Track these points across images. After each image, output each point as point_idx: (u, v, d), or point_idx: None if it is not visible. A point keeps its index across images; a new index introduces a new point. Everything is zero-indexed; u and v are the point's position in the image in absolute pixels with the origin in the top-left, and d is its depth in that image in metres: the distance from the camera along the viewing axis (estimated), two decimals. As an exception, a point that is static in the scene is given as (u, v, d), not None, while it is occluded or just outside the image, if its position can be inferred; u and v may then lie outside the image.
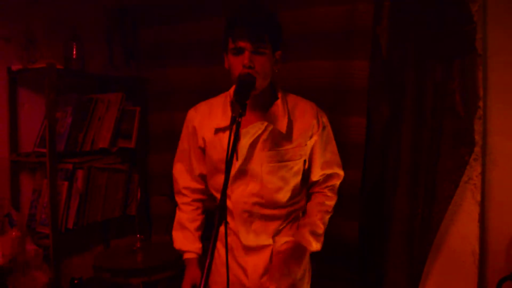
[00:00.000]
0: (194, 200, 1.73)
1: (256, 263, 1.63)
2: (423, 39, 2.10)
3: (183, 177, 1.73)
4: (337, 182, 1.74)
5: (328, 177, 1.70)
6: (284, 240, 1.64)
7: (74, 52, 2.50)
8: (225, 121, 1.56)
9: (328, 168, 1.68)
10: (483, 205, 2.16)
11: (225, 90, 1.72)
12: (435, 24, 2.05)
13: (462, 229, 2.14)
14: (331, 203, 1.71)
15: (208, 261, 1.05)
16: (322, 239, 1.66)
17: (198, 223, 1.71)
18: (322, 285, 1.93)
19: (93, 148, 2.54)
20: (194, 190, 1.73)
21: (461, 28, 1.96)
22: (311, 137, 1.62)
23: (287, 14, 2.28)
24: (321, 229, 1.65)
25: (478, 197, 2.10)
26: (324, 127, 1.65)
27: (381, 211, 2.22)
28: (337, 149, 1.75)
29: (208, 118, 1.64)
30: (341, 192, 2.22)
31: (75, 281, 2.48)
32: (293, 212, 1.68)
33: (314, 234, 1.63)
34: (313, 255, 1.79)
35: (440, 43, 2.05)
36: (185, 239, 1.69)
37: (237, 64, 1.47)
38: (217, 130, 1.60)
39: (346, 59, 2.21)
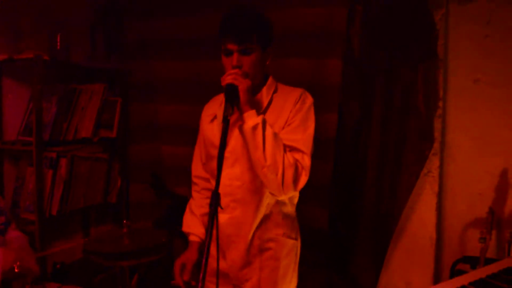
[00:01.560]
0: (204, 189, 1.87)
1: (236, 254, 1.74)
2: (392, 42, 2.28)
3: (195, 166, 1.89)
4: (299, 159, 1.64)
5: (293, 149, 1.65)
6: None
7: (59, 43, 2.56)
8: (218, 111, 1.72)
9: (293, 142, 1.64)
10: (440, 196, 2.38)
11: (209, 84, 1.85)
12: (402, 29, 2.24)
13: (421, 216, 2.36)
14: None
15: (206, 248, 1.18)
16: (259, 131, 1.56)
17: (205, 210, 1.82)
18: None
19: (76, 137, 2.63)
20: (203, 179, 1.86)
21: (424, 34, 2.15)
22: (289, 114, 1.66)
23: (268, 14, 2.42)
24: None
25: (436, 188, 2.32)
26: (303, 103, 1.69)
27: (351, 201, 2.41)
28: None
29: (208, 109, 1.82)
30: (313, 182, 2.39)
31: (57, 266, 2.56)
32: (275, 205, 1.73)
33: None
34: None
35: (407, 47, 2.24)
36: (192, 224, 1.83)
37: (227, 65, 1.61)
38: (212, 119, 1.76)
39: (320, 58, 2.38)
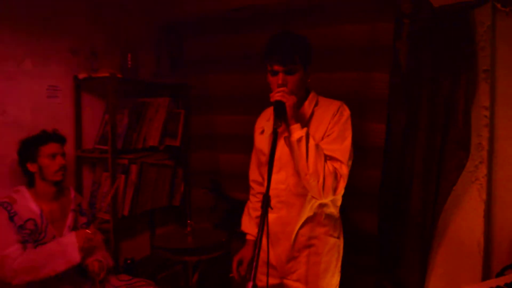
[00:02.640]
0: (258, 193, 2.12)
1: (283, 249, 1.94)
2: (435, 55, 2.38)
3: (252, 172, 2.14)
4: (337, 168, 1.79)
5: (332, 158, 1.81)
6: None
7: (129, 62, 2.87)
8: (266, 125, 1.96)
9: (332, 152, 1.80)
10: (489, 203, 2.43)
11: (260, 96, 2.08)
12: (444, 42, 2.33)
13: (469, 223, 2.41)
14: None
15: (258, 241, 1.37)
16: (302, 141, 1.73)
17: (259, 213, 2.04)
18: (344, 271, 2.25)
19: (145, 145, 2.92)
20: (259, 183, 2.11)
21: (464, 47, 2.24)
22: (328, 125, 1.86)
23: (319, 31, 2.59)
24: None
25: (484, 196, 2.37)
26: (341, 116, 1.86)
27: (398, 206, 2.52)
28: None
29: (259, 122, 2.06)
30: (362, 188, 2.54)
31: (128, 261, 2.85)
32: (318, 207, 1.92)
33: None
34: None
35: (448, 59, 2.33)
36: (248, 225, 2.10)
37: (273, 83, 1.82)
38: (261, 131, 2.00)
39: (368, 72, 2.51)
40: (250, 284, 1.21)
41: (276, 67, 1.79)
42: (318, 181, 1.74)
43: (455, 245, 2.48)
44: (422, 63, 2.40)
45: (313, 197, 1.85)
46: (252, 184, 2.15)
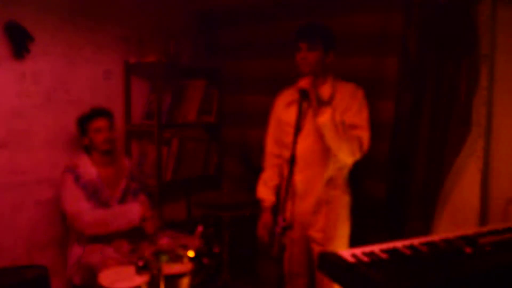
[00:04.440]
0: (274, 164, 2.52)
1: (308, 203, 2.35)
2: (441, 41, 2.67)
3: (269, 145, 2.52)
4: (360, 134, 2.28)
5: (355, 127, 2.28)
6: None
7: (171, 48, 3.28)
8: (292, 99, 2.34)
9: (354, 122, 2.28)
10: (486, 173, 2.74)
11: (285, 80, 2.46)
12: (449, 28, 2.62)
13: (466, 191, 2.71)
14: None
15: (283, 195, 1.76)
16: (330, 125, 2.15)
17: (275, 182, 2.50)
18: (356, 232, 2.62)
19: (184, 121, 3.34)
20: (275, 155, 2.49)
21: (466, 33, 2.54)
22: (347, 103, 2.30)
23: (335, 20, 2.92)
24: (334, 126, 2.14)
25: (480, 165, 2.67)
26: (358, 94, 2.33)
27: (404, 175, 2.85)
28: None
29: (284, 97, 2.46)
30: (372, 160, 2.89)
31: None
32: (337, 170, 2.34)
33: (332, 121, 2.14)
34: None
35: (453, 45, 2.62)
36: (265, 192, 2.50)
37: (298, 58, 2.27)
38: (289, 104, 2.39)
39: (380, 57, 2.84)
40: (281, 217, 1.58)
41: (300, 44, 2.24)
42: (348, 149, 2.20)
43: (453, 212, 2.79)
44: (429, 48, 2.70)
45: (344, 158, 2.28)
46: (269, 156, 2.54)
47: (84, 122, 2.71)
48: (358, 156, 2.28)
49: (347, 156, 2.26)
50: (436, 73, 2.68)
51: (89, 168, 2.67)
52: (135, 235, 2.79)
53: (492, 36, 2.68)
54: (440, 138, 2.66)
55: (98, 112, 2.73)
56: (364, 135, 2.30)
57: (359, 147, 2.25)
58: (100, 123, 2.70)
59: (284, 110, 2.44)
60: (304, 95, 2.11)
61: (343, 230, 2.39)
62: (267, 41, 3.28)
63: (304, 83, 2.13)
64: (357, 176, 2.98)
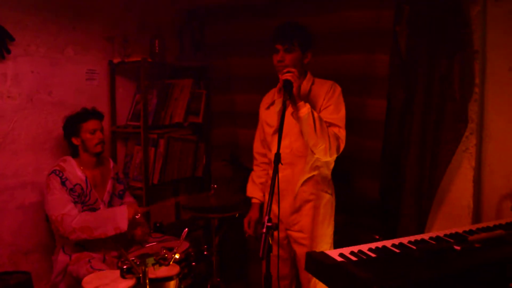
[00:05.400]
0: (261, 163, 2.52)
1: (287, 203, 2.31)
2: (432, 37, 2.64)
3: (256, 144, 2.52)
4: (337, 132, 2.21)
5: (332, 125, 2.21)
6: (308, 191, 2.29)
7: (157, 47, 3.20)
8: (272, 100, 2.36)
9: (331, 120, 2.22)
10: (478, 170, 2.71)
11: (274, 77, 2.37)
12: (441, 24, 2.59)
13: (459, 188, 2.70)
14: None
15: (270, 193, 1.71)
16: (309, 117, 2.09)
17: (262, 179, 2.50)
18: (349, 232, 2.58)
19: (171, 122, 3.27)
20: (261, 155, 2.48)
21: (459, 29, 2.51)
22: (323, 101, 2.25)
23: (325, 17, 2.88)
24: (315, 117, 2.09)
25: (473, 163, 2.66)
26: (334, 92, 2.27)
27: (397, 174, 2.82)
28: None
29: (265, 100, 2.45)
30: (365, 158, 2.85)
31: (157, 224, 3.23)
32: (315, 168, 2.29)
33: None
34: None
35: (445, 41, 2.59)
36: (253, 190, 2.52)
37: (275, 60, 2.23)
38: (268, 106, 2.39)
39: (371, 53, 2.80)
40: (266, 218, 1.55)
41: (277, 46, 2.20)
42: (325, 144, 2.13)
43: (446, 208, 2.77)
44: (420, 45, 2.66)
45: (320, 157, 2.22)
46: (256, 155, 2.55)
47: (75, 122, 2.63)
48: (334, 154, 2.22)
49: (323, 153, 2.18)
50: (427, 70, 2.64)
51: (76, 171, 2.60)
52: (123, 242, 2.72)
53: (483, 32, 2.66)
54: (433, 135, 2.63)
55: (92, 114, 2.67)
56: (342, 134, 2.24)
57: (336, 146, 2.20)
58: (95, 124, 2.66)
59: (265, 111, 2.43)
60: (288, 87, 2.05)
61: (325, 230, 2.34)
62: (256, 39, 3.22)
63: (289, 75, 2.08)
64: (349, 175, 2.95)
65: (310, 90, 2.30)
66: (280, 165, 2.21)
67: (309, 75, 2.36)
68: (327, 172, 2.38)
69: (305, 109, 2.08)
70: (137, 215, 2.55)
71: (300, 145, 2.25)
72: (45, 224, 2.77)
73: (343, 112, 2.27)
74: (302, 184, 2.30)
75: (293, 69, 2.09)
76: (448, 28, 2.56)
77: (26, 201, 2.77)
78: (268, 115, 2.39)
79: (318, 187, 2.32)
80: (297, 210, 2.31)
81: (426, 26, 2.66)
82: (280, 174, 2.25)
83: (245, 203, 2.67)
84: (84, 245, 2.55)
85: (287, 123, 2.21)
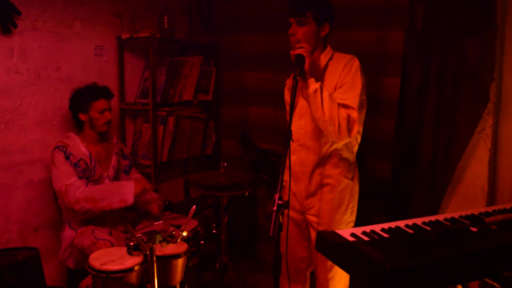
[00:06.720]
0: None
1: (302, 186, 2.25)
2: (452, 14, 2.54)
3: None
4: (350, 113, 2.05)
5: (345, 106, 2.08)
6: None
7: (166, 23, 3.13)
8: (289, 81, 2.27)
9: (344, 101, 2.07)
10: (494, 152, 2.64)
11: (286, 54, 2.30)
12: (462, 2, 2.49)
13: (474, 169, 2.63)
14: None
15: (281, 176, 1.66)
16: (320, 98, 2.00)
17: None
18: (359, 211, 2.53)
19: (180, 99, 3.22)
20: None
21: (483, 5, 2.40)
22: (339, 78, 2.14)
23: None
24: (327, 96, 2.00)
25: (489, 144, 2.58)
26: (351, 67, 2.13)
27: (410, 154, 2.76)
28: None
29: (289, 80, 2.35)
30: (378, 137, 2.79)
31: (166, 202, 3.21)
32: (333, 151, 2.21)
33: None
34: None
35: (466, 17, 2.48)
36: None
37: (289, 33, 2.12)
38: (289, 87, 2.30)
39: (384, 30, 2.71)
40: (277, 195, 1.51)
41: (290, 19, 2.11)
42: (334, 126, 2.02)
43: (461, 189, 2.71)
44: (438, 20, 2.57)
45: (332, 140, 2.13)
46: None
47: (86, 100, 2.60)
48: (345, 138, 2.07)
49: (333, 135, 2.06)
50: (444, 47, 2.55)
51: (80, 147, 2.60)
52: (130, 219, 2.71)
53: (504, 6, 2.55)
54: (449, 114, 2.55)
55: (103, 93, 2.64)
56: (355, 116, 2.07)
57: (347, 128, 2.03)
58: (104, 104, 2.64)
59: (286, 91, 2.37)
60: (300, 61, 1.98)
61: (340, 217, 2.24)
62: (267, 15, 3.13)
63: (302, 50, 2.00)
64: (360, 155, 2.90)
65: (327, 65, 2.20)
66: (295, 147, 2.19)
67: (328, 49, 2.23)
68: (348, 155, 2.25)
69: (313, 86, 2.00)
70: (145, 189, 2.53)
71: (316, 127, 2.15)
72: (54, 200, 2.77)
73: (358, 90, 2.10)
74: (318, 167, 2.21)
75: (305, 45, 2.02)
76: (469, 4, 2.46)
77: (35, 177, 2.77)
78: (286, 95, 2.35)
79: (336, 171, 2.22)
80: (312, 194, 2.24)
81: (444, 2, 2.56)
82: (295, 156, 2.21)
83: (255, 182, 2.64)
84: (90, 220, 2.54)
85: (303, 103, 2.17)
